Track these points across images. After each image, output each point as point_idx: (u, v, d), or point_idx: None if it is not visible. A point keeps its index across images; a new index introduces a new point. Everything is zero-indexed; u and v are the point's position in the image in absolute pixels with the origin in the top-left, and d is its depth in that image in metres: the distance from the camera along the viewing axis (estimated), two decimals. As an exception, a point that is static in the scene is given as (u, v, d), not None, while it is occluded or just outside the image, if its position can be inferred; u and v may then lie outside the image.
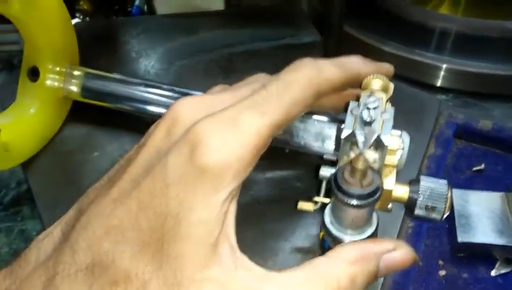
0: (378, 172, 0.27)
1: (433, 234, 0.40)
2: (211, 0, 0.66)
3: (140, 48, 0.58)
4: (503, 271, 0.38)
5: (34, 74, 0.43)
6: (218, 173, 0.20)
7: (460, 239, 0.38)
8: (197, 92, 0.41)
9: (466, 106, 0.53)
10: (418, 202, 0.27)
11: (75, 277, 0.21)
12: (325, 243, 0.29)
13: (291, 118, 0.23)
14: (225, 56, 0.56)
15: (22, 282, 0.23)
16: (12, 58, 0.65)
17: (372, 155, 0.26)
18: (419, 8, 0.62)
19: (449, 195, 0.27)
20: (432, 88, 0.55)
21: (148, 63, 0.56)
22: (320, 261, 0.22)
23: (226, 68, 0.55)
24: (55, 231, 0.24)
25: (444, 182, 0.27)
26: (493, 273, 0.38)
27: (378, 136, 0.25)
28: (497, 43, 0.57)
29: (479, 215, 0.40)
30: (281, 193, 0.41)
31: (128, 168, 0.23)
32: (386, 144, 0.25)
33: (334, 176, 0.25)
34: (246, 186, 0.42)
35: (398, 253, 0.23)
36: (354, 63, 0.28)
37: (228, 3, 0.67)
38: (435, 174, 0.42)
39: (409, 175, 0.42)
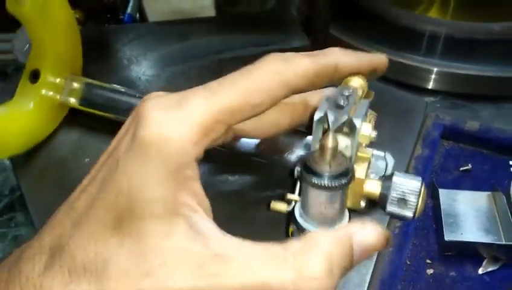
0: (350, 160, 0.26)
1: (421, 233, 0.41)
2: (202, 7, 0.67)
3: (132, 55, 0.59)
4: (490, 269, 0.38)
5: (35, 76, 0.44)
6: (159, 147, 0.20)
7: (447, 238, 0.38)
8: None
9: (454, 107, 0.54)
10: (390, 198, 0.26)
11: (39, 259, 0.21)
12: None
13: (250, 106, 0.22)
14: (216, 62, 0.57)
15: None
16: (6, 67, 0.66)
17: (344, 141, 0.26)
18: (408, 12, 0.63)
19: (422, 191, 0.26)
20: (421, 90, 0.56)
21: (140, 70, 0.57)
22: (293, 244, 0.20)
23: (217, 74, 0.55)
24: None
25: (417, 178, 0.26)
26: (480, 271, 0.38)
27: (350, 119, 0.25)
28: (485, 45, 0.57)
29: (466, 214, 0.41)
30: (269, 198, 0.42)
31: (99, 160, 0.24)
32: (357, 126, 0.25)
33: (303, 158, 0.25)
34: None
35: (368, 230, 0.21)
36: (331, 54, 0.26)
37: (219, 10, 0.68)
38: (422, 174, 0.43)
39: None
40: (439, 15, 0.68)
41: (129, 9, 0.68)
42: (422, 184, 0.26)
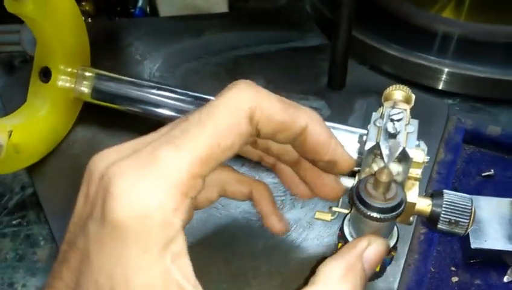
0: (401, 185, 0.26)
1: (445, 240, 0.40)
2: (214, 2, 0.65)
3: (145, 51, 0.58)
4: (515, 278, 0.38)
5: (46, 74, 0.43)
6: (138, 229, 0.16)
7: (473, 245, 0.37)
8: (210, 97, 0.41)
9: (473, 110, 0.53)
10: (442, 216, 0.27)
11: None
12: None
13: (223, 150, 0.19)
14: (231, 59, 0.56)
15: None
16: (13, 59, 0.64)
17: (396, 168, 0.26)
18: (425, 12, 0.62)
19: (473, 209, 0.26)
20: (439, 92, 0.55)
21: (153, 65, 0.56)
22: None
23: (232, 71, 0.54)
24: None
25: (467, 196, 0.27)
26: (505, 279, 0.38)
27: (404, 149, 0.25)
28: (503, 48, 0.57)
29: (490, 221, 0.40)
30: (292, 198, 0.41)
31: (61, 247, 0.20)
32: (411, 156, 0.25)
33: (356, 188, 0.25)
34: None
35: (373, 248, 0.24)
36: (303, 114, 0.23)
37: (231, 5, 0.66)
38: (445, 179, 0.42)
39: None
40: (455, 16, 0.67)
41: (140, 3, 0.66)
42: (472, 203, 0.26)
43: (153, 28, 0.62)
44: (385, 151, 0.25)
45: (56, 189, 0.43)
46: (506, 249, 0.38)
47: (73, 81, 0.44)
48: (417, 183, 0.27)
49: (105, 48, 0.58)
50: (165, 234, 0.17)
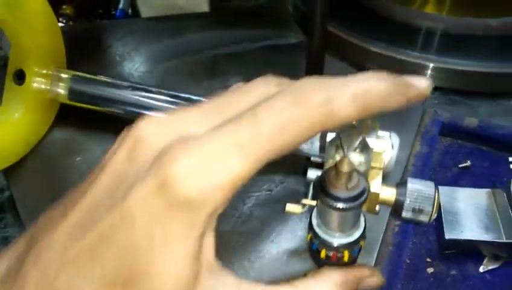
0: (365, 175, 0.26)
1: (420, 231, 0.40)
2: (195, 2, 0.65)
3: (125, 51, 0.58)
4: (490, 267, 0.38)
5: (20, 77, 0.43)
6: (191, 210, 0.18)
7: (447, 236, 0.37)
8: (189, 95, 0.41)
9: (452, 103, 0.53)
10: (405, 205, 0.27)
11: None
12: (313, 246, 0.28)
13: (278, 156, 0.19)
14: (210, 58, 0.56)
15: None
16: (-5, 63, 0.64)
17: (357, 158, 0.26)
18: (405, 8, 0.62)
19: (436, 197, 0.26)
20: (418, 86, 0.55)
21: (133, 66, 0.56)
22: (308, 283, 0.23)
23: (211, 70, 0.55)
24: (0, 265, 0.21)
25: (431, 183, 0.27)
26: (481, 269, 0.38)
27: (363, 139, 0.25)
28: (481, 41, 0.57)
29: (466, 212, 0.40)
30: (267, 193, 0.41)
31: (87, 194, 0.20)
32: (371, 146, 0.25)
33: (319, 179, 0.25)
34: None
35: (373, 279, 0.26)
36: (379, 101, 0.19)
37: (213, 4, 0.66)
38: (421, 171, 0.42)
39: (395, 173, 0.42)
40: (436, 10, 0.68)
41: (121, 5, 0.66)
42: (435, 190, 0.26)
43: (133, 29, 0.62)
44: (345, 141, 0.25)
45: (32, 190, 0.43)
46: (481, 239, 0.38)
47: (48, 83, 0.44)
48: (381, 172, 0.27)
49: (85, 50, 0.58)
50: (210, 219, 0.19)
